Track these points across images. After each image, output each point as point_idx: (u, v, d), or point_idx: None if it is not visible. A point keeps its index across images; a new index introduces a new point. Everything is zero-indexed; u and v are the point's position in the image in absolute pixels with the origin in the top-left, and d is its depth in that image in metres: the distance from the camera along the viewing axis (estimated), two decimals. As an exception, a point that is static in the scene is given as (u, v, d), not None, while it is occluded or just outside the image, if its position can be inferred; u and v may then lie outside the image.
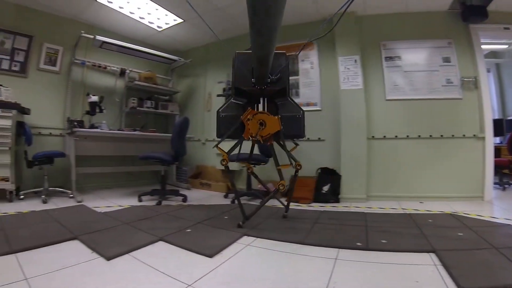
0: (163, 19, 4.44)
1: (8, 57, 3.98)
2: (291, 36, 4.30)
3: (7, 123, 3.34)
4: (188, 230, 2.39)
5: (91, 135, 4.00)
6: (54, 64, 4.39)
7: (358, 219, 2.76)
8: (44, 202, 3.38)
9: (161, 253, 1.92)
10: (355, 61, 3.99)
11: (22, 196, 3.53)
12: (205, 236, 2.24)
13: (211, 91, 5.24)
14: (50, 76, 4.35)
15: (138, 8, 4.16)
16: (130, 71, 5.05)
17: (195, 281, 1.49)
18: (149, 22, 4.56)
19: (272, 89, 2.55)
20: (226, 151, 2.49)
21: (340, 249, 1.93)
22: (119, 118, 5.00)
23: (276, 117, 2.41)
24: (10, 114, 3.37)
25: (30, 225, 2.47)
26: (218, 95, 4.94)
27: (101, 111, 4.19)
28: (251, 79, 2.49)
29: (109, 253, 1.84)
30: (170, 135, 4.17)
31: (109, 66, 4.84)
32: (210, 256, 1.83)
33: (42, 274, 1.55)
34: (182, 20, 4.43)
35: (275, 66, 2.48)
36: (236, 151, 2.61)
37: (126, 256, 1.85)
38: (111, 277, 1.56)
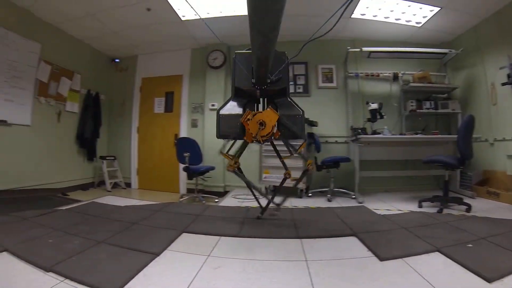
0: (419, 14, 4.20)
1: (292, 83, 5.16)
2: None
3: (301, 134, 4.17)
4: (469, 245, 2.11)
5: (373, 141, 4.26)
6: (331, 81, 5.17)
7: None
8: (329, 200, 3.96)
9: (435, 264, 1.82)
10: None
11: (310, 194, 4.33)
12: (487, 256, 1.91)
13: (493, 80, 4.07)
14: (329, 92, 5.16)
15: (391, 11, 4.17)
16: (403, 74, 4.96)
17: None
18: (406, 21, 4.42)
19: (272, 89, 2.54)
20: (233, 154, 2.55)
21: None
22: (399, 122, 4.98)
23: (268, 108, 2.37)
24: (303, 127, 4.19)
25: (315, 218, 2.98)
26: (503, 84, 3.77)
27: (381, 117, 4.36)
28: (251, 79, 2.49)
29: (384, 254, 1.90)
30: (454, 136, 3.89)
31: (381, 73, 5.00)
32: (489, 280, 1.57)
33: (320, 260, 1.88)
34: (439, 8, 3.95)
35: (275, 66, 2.42)
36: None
37: (399, 260, 1.85)
38: (381, 277, 1.63)
